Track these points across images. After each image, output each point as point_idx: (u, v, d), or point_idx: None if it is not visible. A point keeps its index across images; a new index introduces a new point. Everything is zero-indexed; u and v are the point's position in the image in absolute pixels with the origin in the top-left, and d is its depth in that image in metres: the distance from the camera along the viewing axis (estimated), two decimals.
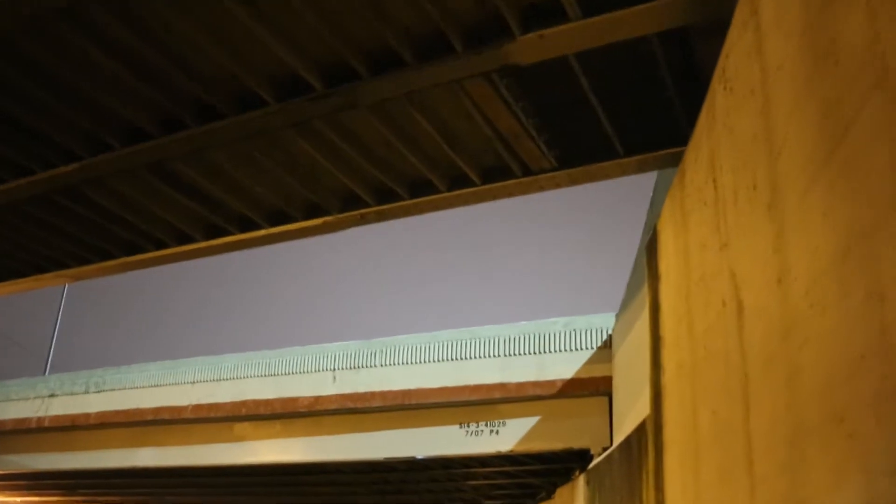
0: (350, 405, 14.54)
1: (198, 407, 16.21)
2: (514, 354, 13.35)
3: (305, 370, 15.22)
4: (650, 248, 7.65)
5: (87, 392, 17.94)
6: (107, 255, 9.97)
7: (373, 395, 14.37)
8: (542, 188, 7.65)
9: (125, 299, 60.80)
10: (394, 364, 14.34)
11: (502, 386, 13.21)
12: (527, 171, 7.53)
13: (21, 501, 26.86)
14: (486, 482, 17.36)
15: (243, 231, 9.12)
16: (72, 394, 18.21)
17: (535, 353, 13.19)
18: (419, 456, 14.33)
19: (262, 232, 9.04)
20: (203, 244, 9.40)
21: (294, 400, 15.15)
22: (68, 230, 9.37)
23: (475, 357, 13.71)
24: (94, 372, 18.13)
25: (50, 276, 10.65)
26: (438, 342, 14.18)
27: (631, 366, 9.86)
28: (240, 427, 16.17)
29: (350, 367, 14.74)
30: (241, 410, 15.72)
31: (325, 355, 15.09)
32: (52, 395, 18.50)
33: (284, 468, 16.52)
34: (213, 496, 21.93)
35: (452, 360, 13.94)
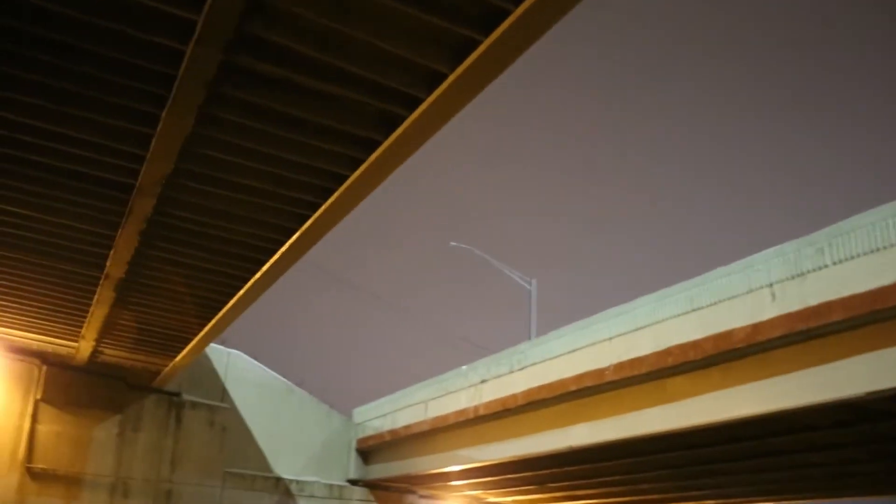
0: (801, 327, 10.58)
1: (619, 366, 13.47)
2: None
3: (733, 294, 11.63)
4: None
5: (511, 371, 16.36)
6: None
7: (829, 307, 10.25)
8: None
9: None
10: (854, 257, 10.11)
11: None
12: None
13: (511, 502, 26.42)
14: None
15: None
16: (498, 376, 16.79)
17: None
18: None
19: None
20: None
21: (727, 335, 11.62)
22: None
23: None
24: (517, 348, 16.50)
25: None
26: None
27: None
28: (670, 383, 13.02)
29: (793, 276, 10.82)
30: (667, 360, 12.59)
31: (758, 268, 11.36)
32: (482, 382, 17.31)
33: (728, 430, 12.86)
34: (687, 479, 18.95)
35: None
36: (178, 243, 10.58)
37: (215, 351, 20.82)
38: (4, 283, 12.90)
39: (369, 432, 22.55)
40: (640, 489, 20.67)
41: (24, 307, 14.18)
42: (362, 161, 7.94)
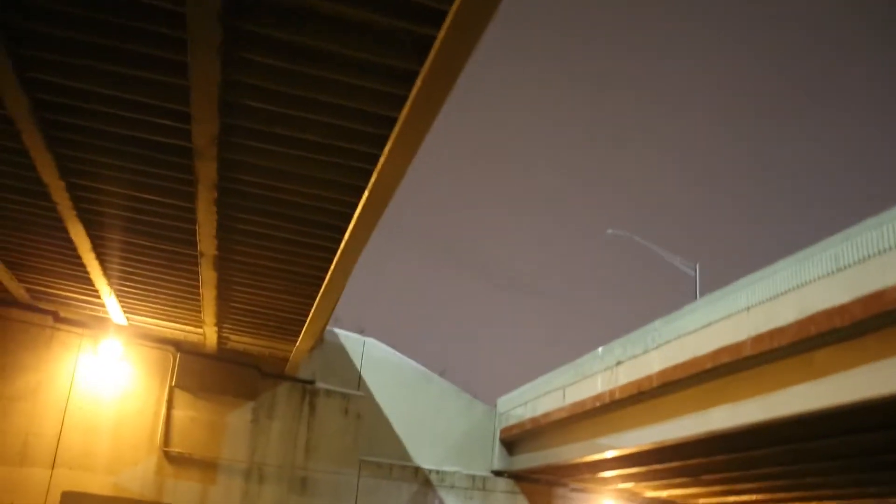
0: None
1: (758, 339, 11.86)
2: None
3: (884, 248, 9.84)
4: None
5: (646, 351, 14.97)
6: None
7: None
8: None
9: None
10: None
11: None
12: None
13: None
14: None
15: None
16: (633, 357, 15.44)
17: None
18: None
19: None
20: None
21: (878, 296, 9.84)
22: None
23: None
24: (652, 325, 15.07)
25: None
26: None
27: None
28: (817, 356, 11.30)
29: None
30: (810, 329, 10.90)
31: None
32: (618, 363, 15.99)
33: (892, 408, 10.93)
34: (862, 472, 16.89)
35: None
36: (255, 212, 10.21)
37: (350, 339, 20.64)
38: (126, 268, 13.14)
39: (512, 421, 21.65)
40: (805, 483, 18.56)
41: (147, 293, 14.46)
42: (405, 98, 7.12)
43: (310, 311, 13.72)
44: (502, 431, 22.21)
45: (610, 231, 37.62)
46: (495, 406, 22.92)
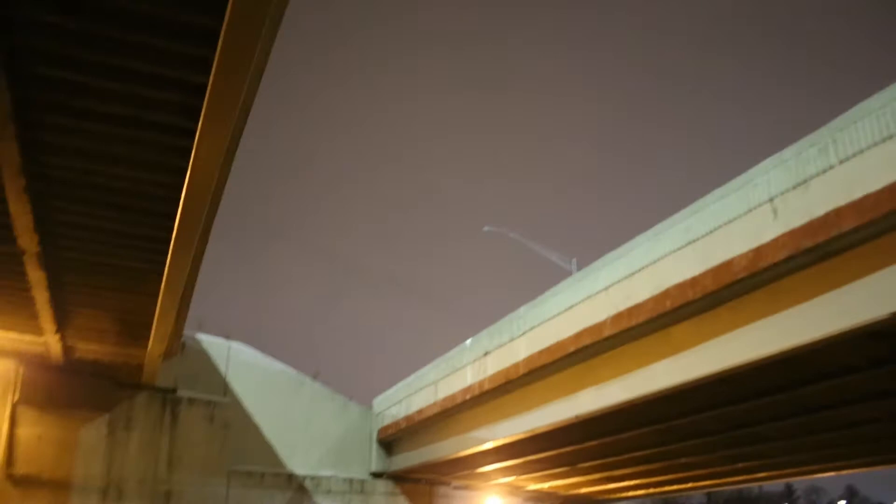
0: (807, 244, 8.74)
1: (617, 318, 11.71)
2: None
3: (730, 217, 9.82)
4: None
5: (511, 339, 14.71)
6: None
7: (838, 214, 8.38)
8: None
9: None
10: (863, 150, 8.23)
11: None
12: None
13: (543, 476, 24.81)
14: None
15: None
16: (500, 346, 15.16)
17: None
18: None
19: None
20: None
21: (726, 266, 9.80)
22: None
23: None
24: (517, 313, 14.81)
25: None
26: None
27: None
28: (674, 332, 11.25)
29: (795, 185, 8.97)
30: (666, 304, 10.81)
31: (756, 182, 9.52)
32: (486, 354, 15.70)
33: (748, 380, 10.98)
34: (726, 448, 17.13)
35: None
36: (71, 200, 9.34)
37: (214, 344, 19.69)
38: None
39: (388, 421, 21.12)
40: (679, 464, 18.75)
41: None
42: (209, 61, 6.49)
43: (153, 309, 12.82)
44: (379, 432, 21.67)
45: (487, 228, 37.64)
46: (371, 407, 22.36)
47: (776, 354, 9.83)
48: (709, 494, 66.78)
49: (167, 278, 11.23)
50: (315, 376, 22.04)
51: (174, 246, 10.08)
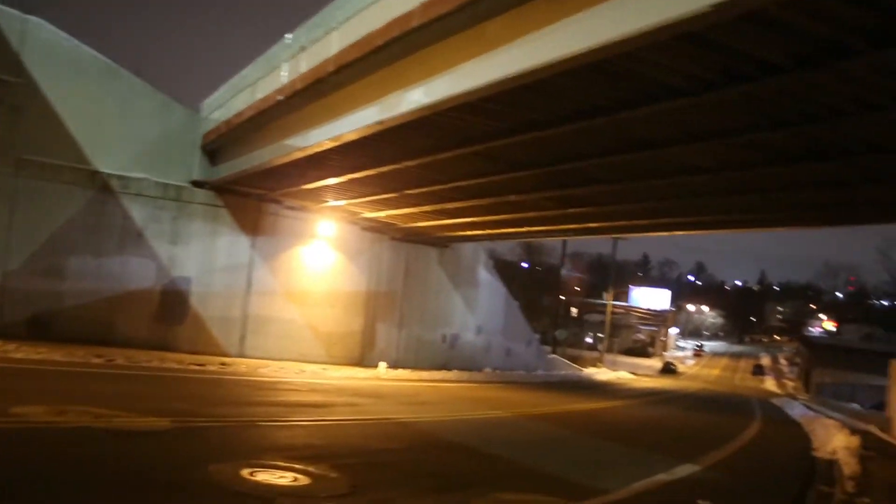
0: None
1: (427, 5, 10.02)
2: None
3: None
4: None
5: (326, 33, 12.90)
6: None
7: None
8: None
9: None
10: None
11: None
12: None
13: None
14: None
15: None
16: (316, 40, 13.36)
17: None
18: None
19: None
20: None
21: None
22: None
23: None
24: (336, 3, 12.88)
25: None
26: None
27: None
28: (488, 27, 9.70)
29: None
30: None
31: None
32: (302, 49, 13.88)
33: (551, 87, 9.73)
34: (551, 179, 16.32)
35: None
36: None
37: (5, 14, 16.96)
38: None
39: (210, 126, 19.39)
40: (510, 203, 18.03)
41: None
42: None
43: None
44: (203, 138, 19.96)
45: None
46: (200, 111, 20.48)
47: (593, 50, 8.42)
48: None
49: None
50: (137, 72, 19.78)
51: None
